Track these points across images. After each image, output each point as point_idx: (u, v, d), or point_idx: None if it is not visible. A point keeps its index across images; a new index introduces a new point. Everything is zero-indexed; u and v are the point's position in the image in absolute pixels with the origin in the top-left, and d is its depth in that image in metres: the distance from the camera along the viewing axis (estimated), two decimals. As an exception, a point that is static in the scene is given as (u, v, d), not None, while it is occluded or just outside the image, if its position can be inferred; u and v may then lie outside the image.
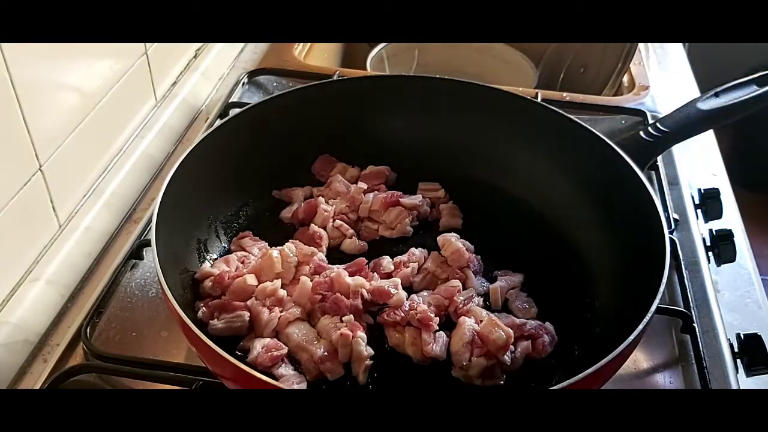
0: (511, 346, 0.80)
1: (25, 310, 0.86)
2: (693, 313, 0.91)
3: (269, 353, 0.78)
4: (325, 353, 0.79)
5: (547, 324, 0.84)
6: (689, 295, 0.94)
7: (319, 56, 1.57)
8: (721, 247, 1.02)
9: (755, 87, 1.04)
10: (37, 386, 0.81)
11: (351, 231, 0.98)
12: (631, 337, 0.70)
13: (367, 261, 0.91)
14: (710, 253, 1.03)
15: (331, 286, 0.86)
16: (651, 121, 1.16)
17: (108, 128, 1.06)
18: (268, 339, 0.81)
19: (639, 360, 0.88)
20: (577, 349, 0.83)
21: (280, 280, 0.86)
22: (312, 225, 0.96)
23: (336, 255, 0.95)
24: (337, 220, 0.98)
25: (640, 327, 0.71)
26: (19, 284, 0.88)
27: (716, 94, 1.04)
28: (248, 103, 1.19)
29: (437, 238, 0.94)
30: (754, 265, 1.05)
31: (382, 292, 0.85)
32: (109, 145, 1.07)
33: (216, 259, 0.92)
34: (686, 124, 1.02)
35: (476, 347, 0.80)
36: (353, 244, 0.97)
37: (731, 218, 1.11)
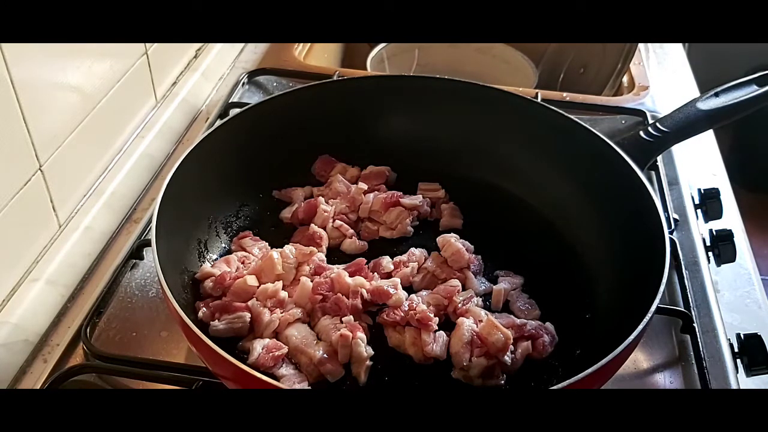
0: (511, 347, 0.80)
1: (25, 310, 0.87)
2: (693, 313, 0.91)
3: (270, 354, 0.78)
4: (325, 355, 0.79)
5: (548, 324, 0.84)
6: (689, 295, 0.94)
7: (319, 56, 1.57)
8: (721, 247, 1.02)
9: (755, 87, 1.05)
10: (37, 386, 0.81)
11: (351, 231, 0.98)
12: (631, 337, 0.70)
13: (366, 261, 0.91)
14: (710, 253, 1.03)
15: (331, 286, 0.86)
16: (651, 121, 1.15)
17: (108, 128, 1.06)
18: (268, 339, 0.81)
19: (639, 360, 0.88)
20: (578, 349, 0.83)
21: (281, 281, 0.86)
22: (312, 225, 0.96)
23: (336, 255, 0.95)
24: (337, 221, 0.98)
25: (640, 327, 0.71)
26: (19, 284, 0.88)
27: (716, 94, 1.04)
28: (248, 103, 1.19)
29: (437, 239, 0.94)
30: (754, 265, 1.05)
31: (382, 293, 0.85)
32: (109, 145, 1.07)
33: (216, 259, 0.92)
34: (686, 124, 1.02)
35: (476, 347, 0.80)
36: (353, 244, 0.97)
37: (731, 218, 1.11)
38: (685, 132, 1.03)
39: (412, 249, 0.94)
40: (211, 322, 0.82)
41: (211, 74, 1.36)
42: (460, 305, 0.86)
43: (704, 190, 1.11)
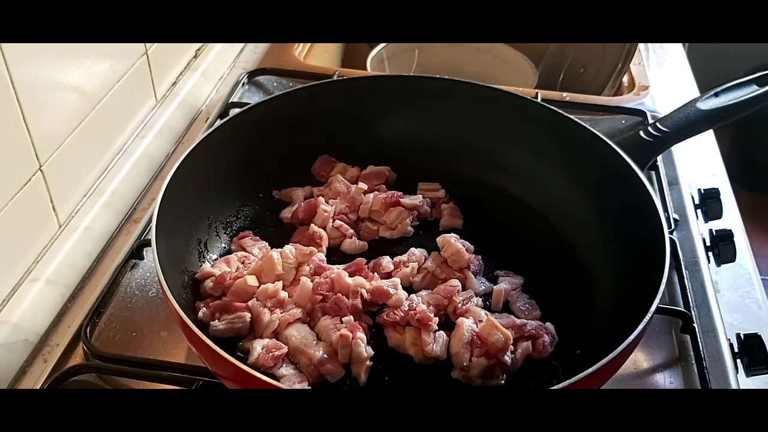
0: (511, 347, 0.80)
1: (25, 310, 0.87)
2: (693, 313, 0.91)
3: (270, 353, 0.78)
4: (325, 355, 0.79)
5: (548, 324, 0.84)
6: (689, 295, 0.94)
7: (319, 56, 1.57)
8: (721, 247, 1.02)
9: (755, 87, 1.05)
10: (37, 386, 0.81)
11: (351, 231, 0.98)
12: (631, 337, 0.70)
13: (366, 261, 0.91)
14: (710, 253, 1.03)
15: (331, 286, 0.86)
16: (651, 121, 1.15)
17: (108, 128, 1.06)
18: (268, 339, 0.81)
19: (639, 360, 0.88)
20: (578, 349, 0.83)
21: (281, 281, 0.86)
22: (312, 225, 0.96)
23: (336, 255, 0.95)
24: (336, 220, 0.98)
25: (640, 327, 0.71)
26: (19, 284, 0.88)
27: (716, 94, 1.04)
28: (248, 103, 1.19)
29: (437, 239, 0.94)
30: (754, 265, 1.05)
31: (382, 292, 0.85)
32: (110, 145, 1.07)
33: (216, 259, 0.92)
34: (686, 124, 1.02)
35: (476, 347, 0.80)
36: (353, 244, 0.97)
37: (731, 218, 1.11)
38: (685, 132, 1.03)
39: (412, 249, 0.94)
40: (211, 322, 0.82)
41: (211, 74, 1.36)
42: (460, 305, 0.86)
43: (704, 190, 1.11)
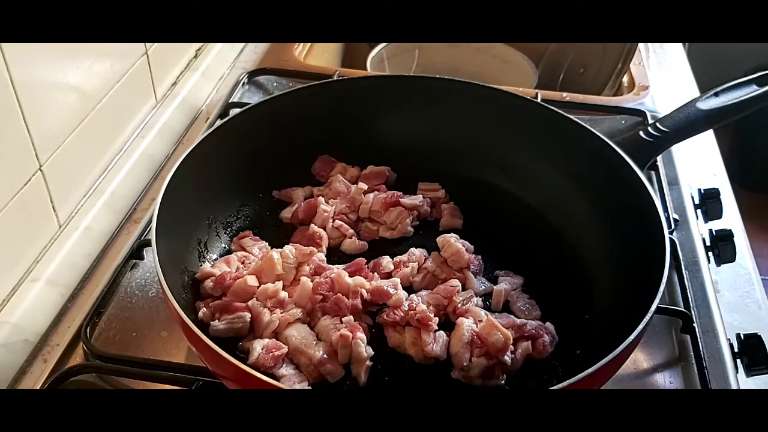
0: (511, 347, 0.80)
1: (25, 310, 0.87)
2: (693, 313, 0.91)
3: (270, 353, 0.78)
4: (325, 355, 0.79)
5: (548, 324, 0.84)
6: (689, 295, 0.94)
7: (319, 56, 1.57)
8: (721, 247, 1.02)
9: (755, 87, 1.05)
10: (37, 386, 0.81)
11: (351, 231, 0.98)
12: (631, 337, 0.70)
13: (366, 261, 0.91)
14: (710, 253, 1.03)
15: (331, 286, 0.86)
16: (651, 121, 1.15)
17: (108, 128, 1.06)
18: (268, 339, 0.81)
19: (639, 360, 0.88)
20: (578, 349, 0.83)
21: (281, 281, 0.86)
22: (312, 225, 0.96)
23: (336, 255, 0.95)
24: (337, 221, 0.98)
25: (640, 327, 0.71)
26: (19, 284, 0.88)
27: (716, 94, 1.04)
28: (248, 103, 1.19)
29: (437, 239, 0.94)
30: (754, 265, 1.05)
31: (382, 292, 0.85)
32: (110, 145, 1.07)
33: (216, 259, 0.92)
34: (686, 124, 1.03)
35: (476, 347, 0.80)
36: (353, 244, 0.97)
37: (731, 218, 1.11)
38: (685, 132, 1.03)
39: (412, 249, 0.94)
40: (211, 322, 0.82)
41: (211, 74, 1.36)
42: (459, 305, 0.86)
43: (704, 190, 1.11)
